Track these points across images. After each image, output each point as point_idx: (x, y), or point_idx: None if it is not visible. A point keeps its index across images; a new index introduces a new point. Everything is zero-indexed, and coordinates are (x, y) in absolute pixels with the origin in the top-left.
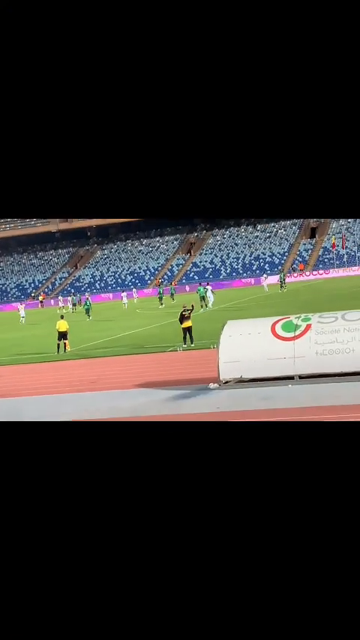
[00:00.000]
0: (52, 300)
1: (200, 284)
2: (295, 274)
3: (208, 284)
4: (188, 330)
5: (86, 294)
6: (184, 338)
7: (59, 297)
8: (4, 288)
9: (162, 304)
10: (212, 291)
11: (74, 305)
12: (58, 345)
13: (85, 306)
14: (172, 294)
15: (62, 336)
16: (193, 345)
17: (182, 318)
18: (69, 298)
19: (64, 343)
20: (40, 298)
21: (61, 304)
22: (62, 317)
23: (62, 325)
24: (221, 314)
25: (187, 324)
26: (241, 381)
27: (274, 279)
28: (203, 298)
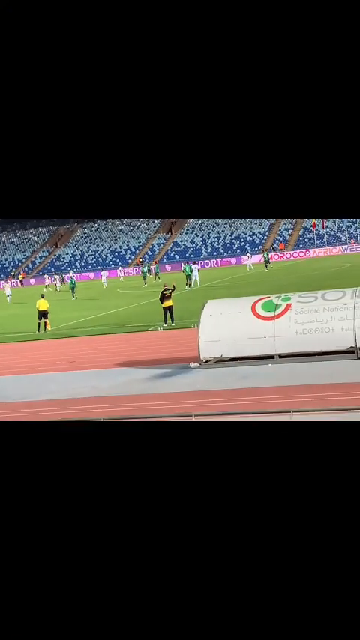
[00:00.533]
0: (32, 279)
1: (187, 262)
2: (276, 254)
3: (195, 262)
4: (169, 309)
5: (70, 272)
6: (165, 317)
7: (45, 276)
8: None
9: (145, 283)
10: (197, 270)
11: (61, 282)
12: (39, 324)
13: (71, 285)
14: (157, 273)
15: (42, 315)
16: (174, 325)
17: (163, 298)
18: (55, 276)
19: (45, 322)
20: (20, 277)
21: (47, 282)
22: (43, 296)
23: (42, 304)
24: (203, 293)
25: (167, 303)
26: (222, 361)
27: (255, 258)
28: (189, 277)
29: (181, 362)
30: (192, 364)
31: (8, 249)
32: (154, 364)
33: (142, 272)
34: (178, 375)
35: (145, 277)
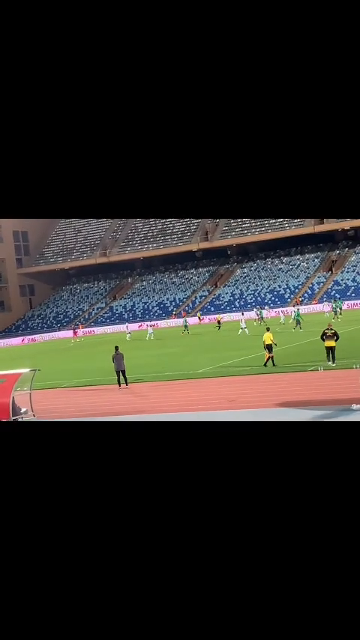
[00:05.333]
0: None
1: None
2: None
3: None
4: (331, 349)
5: (271, 304)
6: (328, 357)
7: (254, 310)
8: (146, 306)
9: (338, 318)
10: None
11: (261, 319)
12: (272, 357)
13: (296, 317)
14: (340, 309)
15: (268, 348)
16: (334, 365)
17: (325, 337)
18: (255, 311)
19: (270, 356)
20: (183, 316)
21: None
22: (268, 329)
23: (267, 338)
24: None
25: (329, 343)
26: None
27: None
28: None
29: (343, 403)
30: (354, 406)
31: (170, 289)
32: (315, 405)
33: (334, 307)
34: (339, 417)
35: (335, 312)
